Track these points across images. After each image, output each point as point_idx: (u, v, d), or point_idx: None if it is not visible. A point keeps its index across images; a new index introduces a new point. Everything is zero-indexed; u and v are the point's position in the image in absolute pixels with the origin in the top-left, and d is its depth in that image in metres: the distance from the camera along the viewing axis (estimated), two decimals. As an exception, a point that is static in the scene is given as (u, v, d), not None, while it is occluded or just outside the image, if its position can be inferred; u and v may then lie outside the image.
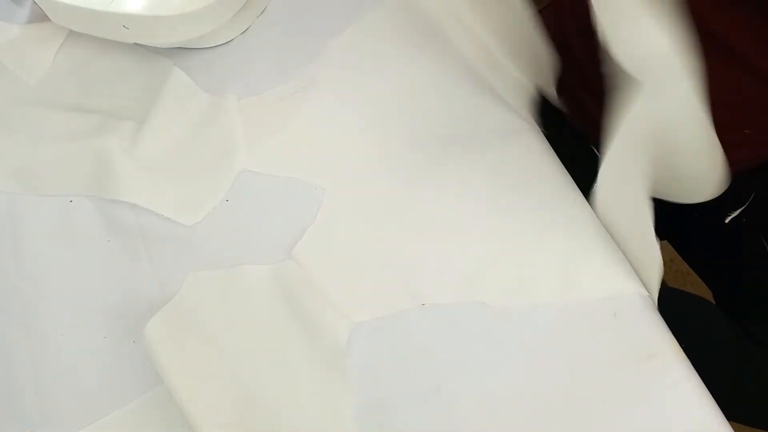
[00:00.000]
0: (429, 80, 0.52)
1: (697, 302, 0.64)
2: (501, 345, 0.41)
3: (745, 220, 0.61)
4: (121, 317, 0.43)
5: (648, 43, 0.33)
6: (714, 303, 0.66)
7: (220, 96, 0.51)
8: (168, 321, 0.41)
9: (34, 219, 0.47)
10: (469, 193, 0.47)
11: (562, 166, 0.48)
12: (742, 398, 0.38)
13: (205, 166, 0.49)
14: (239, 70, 0.52)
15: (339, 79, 0.52)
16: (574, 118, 0.64)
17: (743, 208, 0.61)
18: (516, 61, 0.56)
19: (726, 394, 0.38)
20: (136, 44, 0.55)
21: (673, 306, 0.42)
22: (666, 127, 0.37)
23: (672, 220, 0.74)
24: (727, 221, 0.62)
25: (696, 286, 0.72)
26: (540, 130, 0.50)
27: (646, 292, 0.43)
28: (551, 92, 0.62)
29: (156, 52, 0.55)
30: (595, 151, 0.66)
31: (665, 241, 0.80)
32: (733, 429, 0.38)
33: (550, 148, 0.49)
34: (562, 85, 0.65)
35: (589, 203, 0.45)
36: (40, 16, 0.56)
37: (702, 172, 0.40)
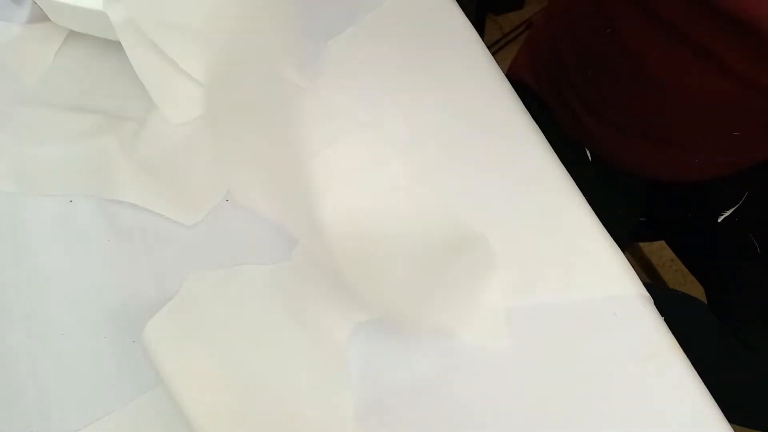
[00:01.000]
0: (429, 80, 0.52)
1: (687, 301, 0.64)
2: (500, 345, 0.41)
3: (737, 220, 0.61)
4: (121, 317, 0.43)
5: None
6: (705, 302, 0.67)
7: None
8: (167, 321, 0.41)
9: (34, 219, 0.47)
10: (470, 192, 0.47)
11: (562, 165, 0.48)
12: (728, 398, 0.38)
13: (206, 166, 0.49)
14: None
15: (338, 78, 0.52)
16: (568, 126, 0.64)
17: (736, 207, 0.61)
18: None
19: (712, 393, 0.39)
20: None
21: (662, 305, 0.42)
22: None
23: (667, 220, 0.74)
24: (719, 221, 0.62)
25: (696, 286, 0.73)
26: (538, 128, 0.50)
27: (646, 292, 0.43)
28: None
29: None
30: (588, 154, 0.66)
31: (665, 242, 0.80)
32: (730, 429, 0.38)
33: (550, 147, 0.49)
34: (554, 91, 0.65)
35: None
36: (40, 16, 0.56)
37: None
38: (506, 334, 0.41)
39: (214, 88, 0.49)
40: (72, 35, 0.56)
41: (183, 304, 0.42)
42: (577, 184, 0.47)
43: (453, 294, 0.42)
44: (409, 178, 0.47)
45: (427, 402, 0.39)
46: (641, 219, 0.73)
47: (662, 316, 0.42)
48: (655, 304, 0.42)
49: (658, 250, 1.16)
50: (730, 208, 0.62)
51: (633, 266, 0.44)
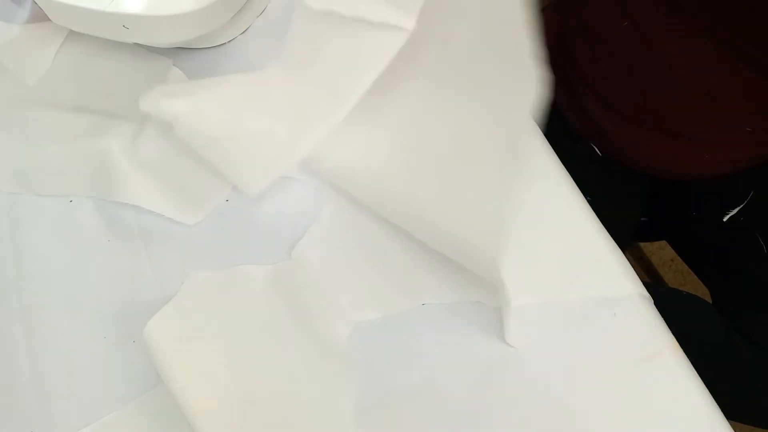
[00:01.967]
0: (428, 80, 0.52)
1: (692, 301, 0.64)
2: (500, 345, 0.41)
3: (743, 219, 0.61)
4: (120, 317, 0.43)
5: None
6: (710, 302, 0.67)
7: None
8: (168, 321, 0.41)
9: (34, 219, 0.47)
10: (470, 192, 0.47)
11: (562, 165, 0.48)
12: (733, 396, 0.38)
13: (206, 167, 0.49)
14: (239, 70, 0.52)
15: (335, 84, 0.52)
16: (575, 118, 0.64)
17: (741, 206, 0.61)
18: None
19: (716, 392, 0.39)
20: (136, 44, 0.55)
21: (666, 304, 0.42)
22: None
23: (670, 220, 0.74)
24: (725, 220, 0.62)
25: (696, 286, 0.72)
26: (539, 128, 0.50)
27: (646, 292, 0.43)
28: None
29: (156, 52, 0.55)
30: (596, 150, 0.66)
31: (665, 241, 0.80)
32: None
33: (550, 147, 0.49)
34: (562, 85, 0.65)
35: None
36: (40, 16, 0.56)
37: None
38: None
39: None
40: (72, 35, 0.56)
41: (183, 304, 0.42)
42: (578, 182, 0.47)
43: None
44: (409, 178, 0.47)
45: (427, 402, 0.39)
46: (642, 219, 0.73)
47: (667, 315, 0.42)
48: (660, 303, 0.42)
49: (658, 250, 1.16)
50: (736, 206, 0.62)
51: (633, 266, 0.44)
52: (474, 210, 0.41)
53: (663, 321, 0.41)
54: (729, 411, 0.39)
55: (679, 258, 0.76)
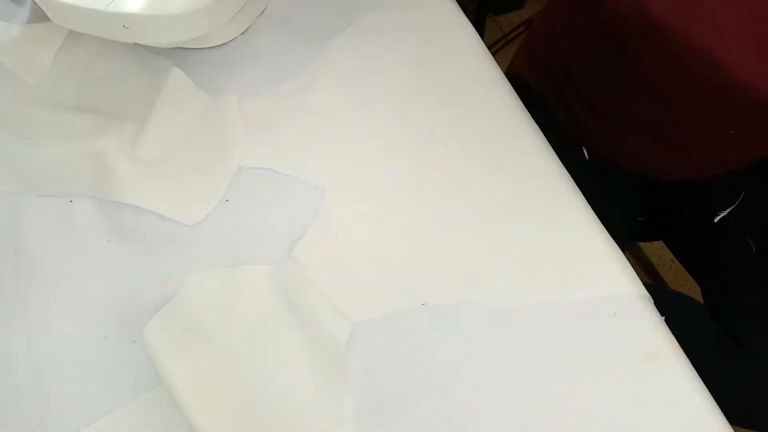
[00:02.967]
0: (428, 80, 0.52)
1: (684, 302, 0.64)
2: (501, 345, 0.41)
3: (733, 220, 0.61)
4: (121, 317, 0.43)
5: None
6: (702, 302, 0.67)
7: (220, 96, 0.51)
8: (168, 321, 0.41)
9: (34, 219, 0.47)
10: (470, 192, 0.47)
11: (562, 165, 0.48)
12: (724, 398, 0.38)
13: (206, 166, 0.49)
14: (239, 70, 0.52)
15: (339, 79, 0.52)
16: (566, 122, 0.64)
17: (732, 207, 0.61)
18: None
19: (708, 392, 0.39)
20: (136, 44, 0.54)
21: (659, 305, 0.42)
22: None
23: (665, 220, 0.74)
24: (716, 221, 0.62)
25: (696, 286, 0.73)
26: (538, 128, 0.50)
27: (646, 292, 0.43)
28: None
29: (156, 52, 0.55)
30: (585, 153, 0.66)
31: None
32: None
33: (550, 147, 0.49)
34: (553, 90, 0.65)
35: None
36: (40, 16, 0.56)
37: None
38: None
39: None
40: (72, 35, 0.56)
41: (183, 304, 0.42)
42: (576, 184, 0.47)
43: None
44: (409, 177, 0.47)
45: (427, 402, 0.39)
46: (640, 219, 0.73)
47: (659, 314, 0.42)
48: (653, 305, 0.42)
49: (658, 250, 1.16)
50: (727, 208, 0.62)
51: (633, 266, 0.44)
52: None
53: (663, 321, 0.41)
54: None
55: (678, 258, 0.76)
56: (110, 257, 0.45)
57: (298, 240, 0.45)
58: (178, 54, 0.55)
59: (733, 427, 0.38)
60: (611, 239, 0.44)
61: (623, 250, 0.44)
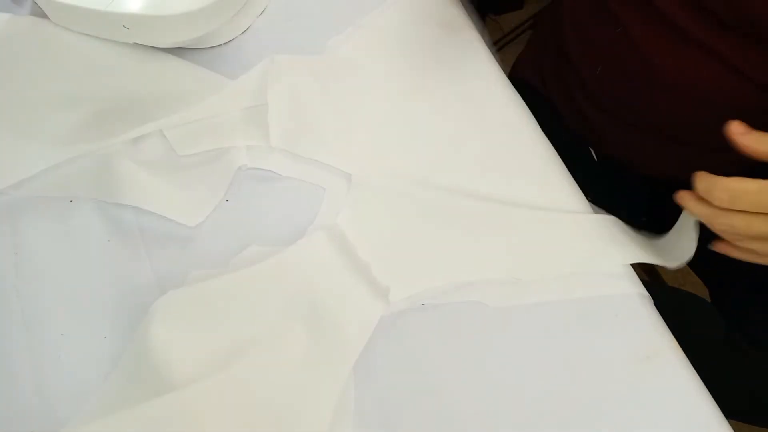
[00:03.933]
0: (429, 80, 0.52)
1: (692, 300, 0.64)
2: (501, 345, 0.41)
3: None
4: (121, 317, 0.43)
5: None
6: (710, 301, 0.67)
7: (219, 95, 0.51)
8: (175, 303, 0.41)
9: (34, 219, 0.47)
10: (470, 192, 0.47)
11: (563, 165, 0.48)
12: (733, 394, 0.38)
13: (206, 167, 0.49)
14: (239, 70, 0.52)
15: (339, 78, 0.52)
16: (573, 121, 0.64)
17: None
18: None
19: (717, 390, 0.39)
20: (136, 44, 0.54)
21: (667, 303, 0.42)
22: None
23: (670, 220, 0.74)
24: None
25: (696, 286, 0.73)
26: (539, 127, 0.50)
27: (646, 292, 0.43)
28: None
29: (156, 52, 0.55)
30: (593, 153, 0.66)
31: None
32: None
33: (552, 147, 0.49)
34: (560, 89, 0.65)
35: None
36: (39, 16, 0.56)
37: None
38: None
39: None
40: (72, 35, 0.56)
41: (188, 297, 0.42)
42: (579, 182, 0.47)
43: None
44: (413, 176, 0.47)
45: (427, 402, 0.39)
46: (642, 219, 0.73)
47: (667, 314, 0.42)
48: (660, 303, 0.42)
49: (658, 250, 1.15)
50: None
51: (633, 266, 0.44)
52: None
53: (663, 321, 0.42)
54: (729, 409, 0.39)
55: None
56: (110, 257, 0.45)
57: (298, 240, 0.45)
58: (178, 54, 0.55)
59: (744, 424, 0.38)
60: (612, 239, 0.44)
61: (623, 250, 0.44)
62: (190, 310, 0.41)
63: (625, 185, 0.68)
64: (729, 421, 0.38)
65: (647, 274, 1.00)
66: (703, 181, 0.35)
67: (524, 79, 0.70)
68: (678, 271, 1.16)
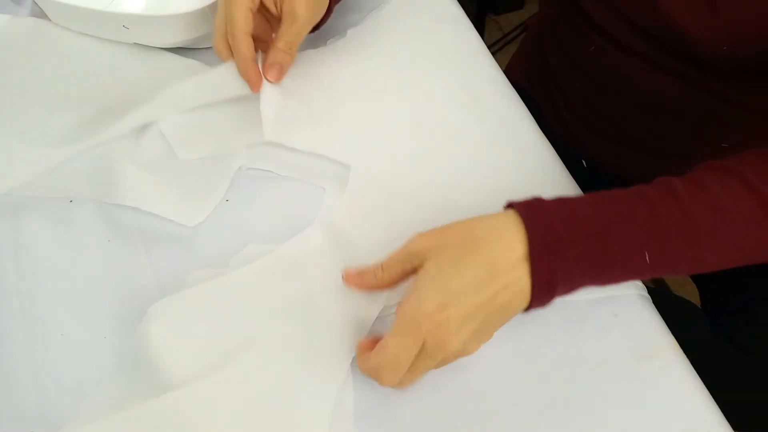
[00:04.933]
0: (429, 81, 0.52)
1: (679, 303, 0.65)
2: (501, 345, 0.41)
3: None
4: (121, 317, 0.43)
5: None
6: (698, 305, 0.67)
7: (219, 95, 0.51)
8: (170, 308, 0.41)
9: (34, 219, 0.47)
10: (470, 192, 0.47)
11: (562, 163, 0.48)
12: (719, 400, 0.39)
13: (206, 167, 0.49)
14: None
15: (339, 77, 0.52)
16: (560, 132, 0.65)
17: None
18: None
19: None
20: (136, 44, 0.55)
21: (656, 306, 0.42)
22: None
23: None
24: None
25: (696, 289, 0.73)
26: (538, 127, 0.50)
27: (646, 293, 0.43)
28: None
29: (156, 52, 0.55)
30: (584, 163, 0.67)
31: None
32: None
33: (551, 146, 0.49)
34: (546, 100, 0.66)
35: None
36: (39, 16, 0.56)
37: None
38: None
39: None
40: (72, 35, 0.56)
41: (186, 299, 0.42)
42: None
43: None
44: (411, 173, 0.47)
45: (427, 402, 0.39)
46: None
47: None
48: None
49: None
50: None
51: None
52: None
53: (663, 321, 0.42)
54: None
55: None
56: (110, 257, 0.45)
57: (292, 237, 0.45)
58: (178, 54, 0.55)
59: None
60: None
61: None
62: (188, 310, 0.41)
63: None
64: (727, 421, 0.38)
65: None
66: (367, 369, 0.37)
67: (515, 82, 0.71)
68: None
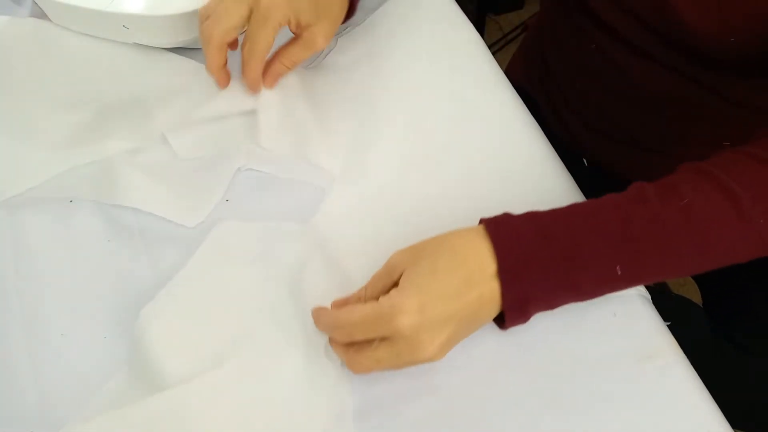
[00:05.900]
0: (429, 81, 0.52)
1: (680, 303, 0.65)
2: (500, 344, 0.41)
3: None
4: (121, 317, 0.43)
5: None
6: (700, 305, 0.67)
7: (219, 95, 0.51)
8: (163, 305, 0.41)
9: (34, 219, 0.47)
10: (469, 192, 0.47)
11: (562, 163, 0.48)
12: (719, 399, 0.39)
13: (205, 168, 0.49)
14: (238, 69, 0.52)
15: (339, 77, 0.52)
16: (560, 132, 0.65)
17: None
18: None
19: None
20: (136, 44, 0.55)
21: (656, 306, 0.42)
22: None
23: None
24: None
25: (696, 288, 0.73)
26: (539, 126, 0.50)
27: (646, 292, 0.43)
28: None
29: (156, 52, 0.55)
30: (585, 161, 0.67)
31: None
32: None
33: (551, 146, 0.49)
34: (546, 101, 0.66)
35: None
36: (39, 16, 0.56)
37: None
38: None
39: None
40: (71, 35, 0.56)
41: (180, 297, 0.42)
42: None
43: None
44: (409, 171, 0.47)
45: (427, 402, 0.39)
46: None
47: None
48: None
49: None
50: None
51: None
52: None
53: (662, 321, 0.42)
54: None
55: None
56: (110, 257, 0.45)
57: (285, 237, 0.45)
58: (178, 54, 0.55)
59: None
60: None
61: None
62: (183, 308, 0.41)
63: (616, 191, 0.69)
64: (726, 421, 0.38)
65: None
66: (322, 323, 0.37)
67: (515, 82, 0.71)
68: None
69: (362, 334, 0.35)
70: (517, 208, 0.41)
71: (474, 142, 0.49)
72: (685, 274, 0.37)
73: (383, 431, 0.39)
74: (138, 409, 0.38)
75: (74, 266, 0.45)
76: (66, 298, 0.44)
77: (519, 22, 1.46)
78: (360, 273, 0.43)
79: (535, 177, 0.47)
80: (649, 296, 0.43)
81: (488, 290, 0.35)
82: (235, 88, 0.50)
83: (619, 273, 0.35)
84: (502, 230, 0.36)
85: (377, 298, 0.36)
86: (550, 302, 0.37)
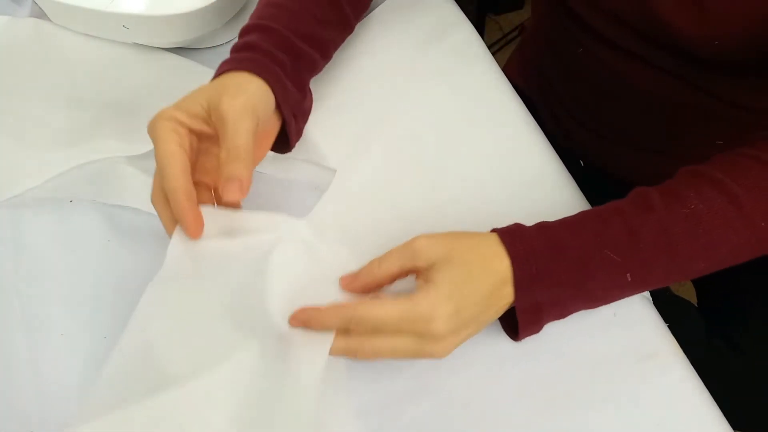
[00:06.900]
0: (429, 80, 0.52)
1: (677, 303, 0.65)
2: (500, 345, 0.41)
3: None
4: (121, 317, 0.43)
5: None
6: (695, 305, 0.67)
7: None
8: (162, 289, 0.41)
9: (34, 219, 0.47)
10: (469, 192, 0.47)
11: (562, 163, 0.48)
12: (714, 398, 0.39)
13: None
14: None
15: (338, 76, 0.52)
16: (557, 135, 0.65)
17: None
18: None
19: None
20: (136, 44, 0.55)
21: (654, 304, 0.42)
22: None
23: None
24: None
25: (693, 288, 0.73)
26: (539, 126, 0.50)
27: (646, 292, 0.43)
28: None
29: (156, 52, 0.55)
30: (582, 163, 0.67)
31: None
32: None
33: (550, 146, 0.49)
34: (543, 104, 0.66)
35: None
36: (39, 16, 0.56)
37: None
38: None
39: None
40: (71, 35, 0.56)
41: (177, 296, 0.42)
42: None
43: None
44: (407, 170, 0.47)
45: (427, 402, 0.39)
46: None
47: None
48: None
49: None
50: None
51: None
52: None
53: (662, 321, 0.42)
54: None
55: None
56: (110, 257, 0.45)
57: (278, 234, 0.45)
58: (178, 54, 0.55)
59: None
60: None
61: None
62: (180, 309, 0.41)
63: (613, 192, 0.69)
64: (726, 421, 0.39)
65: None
66: (338, 316, 0.36)
67: (512, 84, 0.71)
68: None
69: (393, 329, 0.35)
70: (517, 208, 0.41)
71: (474, 142, 0.49)
72: (692, 278, 0.38)
73: (383, 431, 0.39)
74: (138, 410, 0.38)
75: (74, 266, 0.45)
76: (66, 298, 0.44)
77: (519, 22, 1.45)
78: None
79: (536, 177, 0.47)
80: (650, 296, 0.43)
81: (507, 300, 0.36)
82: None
83: (629, 280, 0.36)
84: (518, 243, 0.37)
85: (393, 275, 0.36)
86: (563, 311, 0.38)
